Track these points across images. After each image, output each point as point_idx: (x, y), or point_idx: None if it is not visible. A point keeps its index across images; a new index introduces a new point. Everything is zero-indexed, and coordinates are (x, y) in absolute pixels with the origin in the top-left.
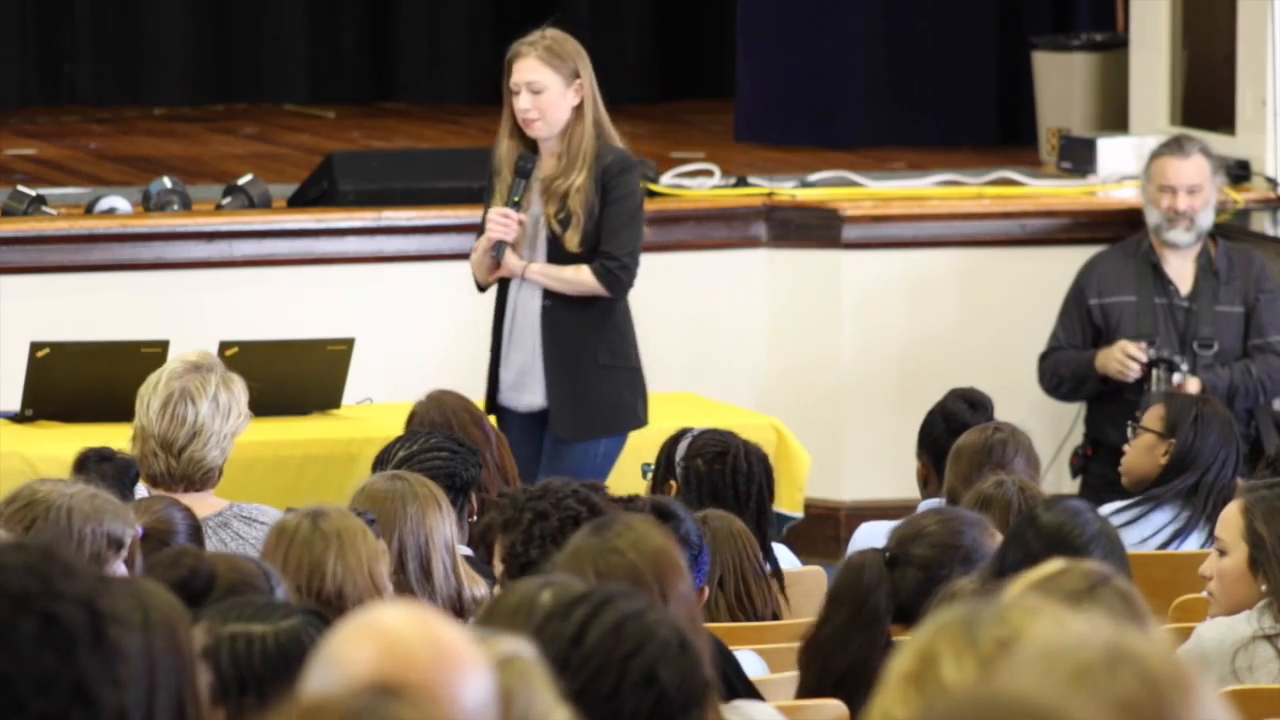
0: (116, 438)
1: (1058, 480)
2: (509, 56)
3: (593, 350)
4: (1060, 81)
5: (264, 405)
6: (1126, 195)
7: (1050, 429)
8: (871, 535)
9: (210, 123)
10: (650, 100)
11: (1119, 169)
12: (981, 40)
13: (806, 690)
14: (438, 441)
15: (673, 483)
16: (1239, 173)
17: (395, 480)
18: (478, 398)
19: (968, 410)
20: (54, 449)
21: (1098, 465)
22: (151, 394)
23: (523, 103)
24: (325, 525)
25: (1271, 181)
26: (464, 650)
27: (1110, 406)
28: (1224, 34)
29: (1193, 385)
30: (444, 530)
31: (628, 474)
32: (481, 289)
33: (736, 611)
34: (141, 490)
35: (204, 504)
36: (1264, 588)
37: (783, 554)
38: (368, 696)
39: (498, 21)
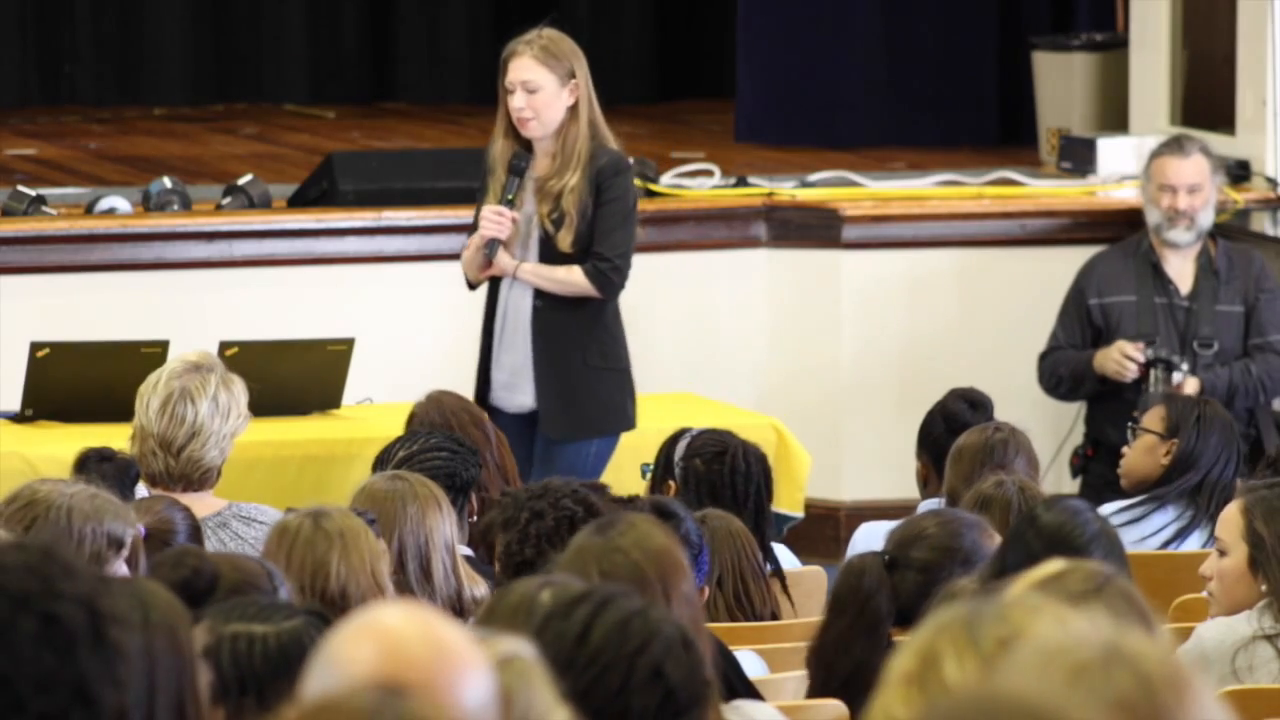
0: (116, 438)
1: (1058, 480)
2: (505, 55)
3: (583, 351)
4: (1060, 81)
5: (264, 405)
6: (1126, 195)
7: (1050, 429)
8: (871, 535)
9: (210, 123)
10: (650, 100)
11: (1119, 169)
12: (981, 40)
13: (814, 694)
14: (438, 441)
15: (671, 483)
16: (1239, 173)
17: (395, 480)
18: None
19: (968, 410)
20: (54, 449)
21: (1098, 465)
22: (151, 393)
23: (517, 102)
24: (328, 525)
25: (1271, 181)
26: (464, 650)
27: (1110, 406)
28: (1224, 34)
29: (1191, 385)
30: (444, 530)
31: (627, 474)
32: (472, 287)
33: (735, 611)
34: (142, 490)
35: (203, 504)
36: (1264, 588)
37: (783, 554)
38: (379, 696)
39: (497, 21)
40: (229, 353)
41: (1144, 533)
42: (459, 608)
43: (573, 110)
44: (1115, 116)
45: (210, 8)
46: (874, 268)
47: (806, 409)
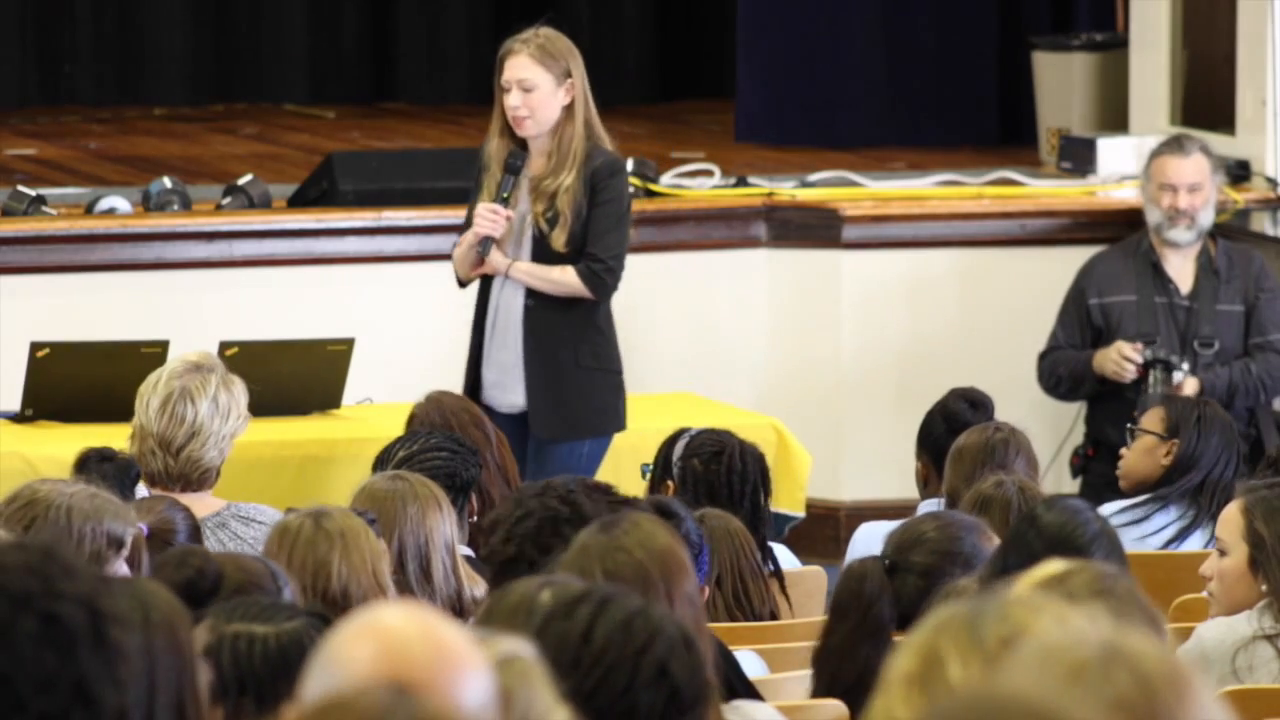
0: (116, 438)
1: (1058, 480)
2: (501, 53)
3: (575, 351)
4: (1060, 81)
5: (264, 405)
6: (1126, 195)
7: (1050, 429)
8: (871, 535)
9: (210, 123)
10: (650, 100)
11: (1119, 169)
12: (981, 40)
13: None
14: (438, 441)
15: (670, 483)
16: (1239, 173)
17: (395, 480)
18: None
19: (968, 410)
20: (54, 449)
21: (1099, 465)
22: (151, 392)
23: (513, 100)
24: (329, 525)
25: (1271, 181)
26: (464, 650)
27: (1111, 406)
28: (1224, 34)
29: (1191, 386)
30: (444, 530)
31: (627, 474)
32: (462, 285)
33: (734, 610)
34: (142, 490)
35: (201, 504)
36: (1264, 588)
37: (783, 554)
38: (391, 696)
39: (497, 21)
40: (229, 353)
41: (1145, 532)
42: (459, 608)
43: (568, 110)
44: (1115, 116)
45: (210, 8)
46: (874, 268)
47: (806, 409)
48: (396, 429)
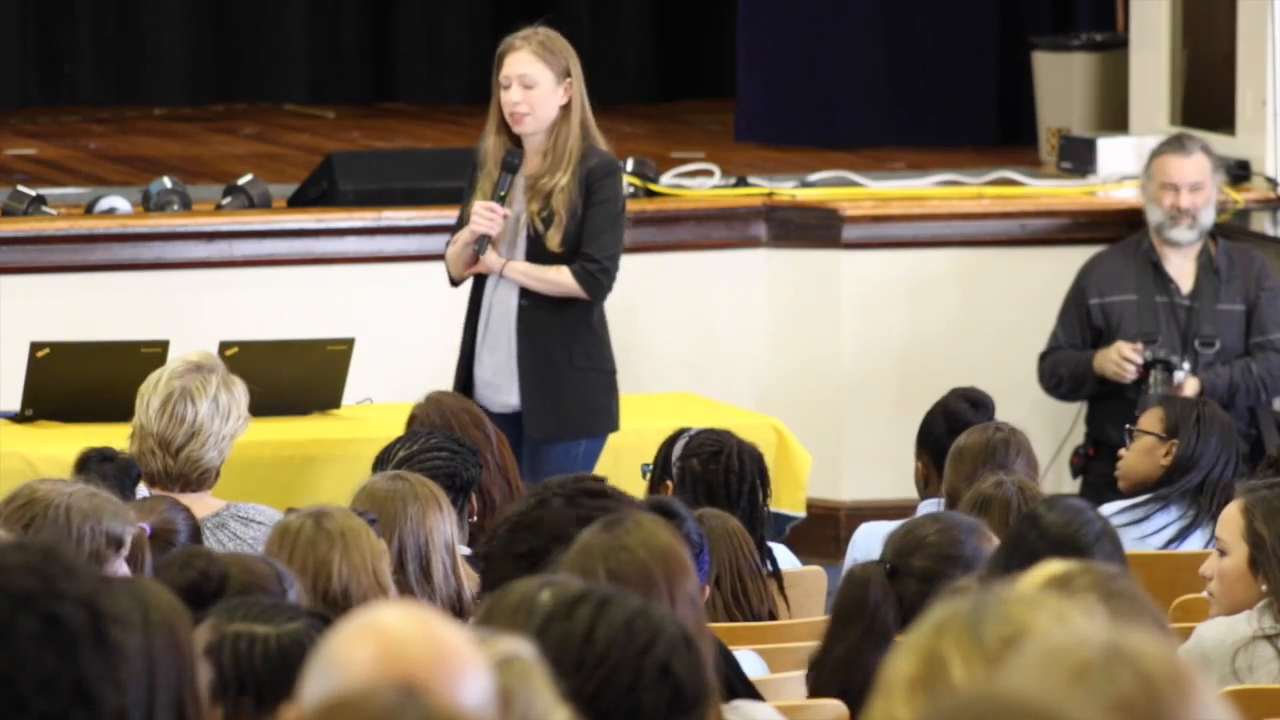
0: (116, 438)
1: (1058, 480)
2: (500, 50)
3: (568, 352)
4: (1060, 81)
5: (264, 405)
6: (1126, 195)
7: (1050, 429)
8: (871, 535)
9: (210, 123)
10: (650, 100)
11: (1119, 169)
12: (981, 40)
13: None
14: (438, 442)
15: (669, 483)
16: (1239, 173)
17: (396, 480)
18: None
19: (969, 410)
20: (54, 449)
21: (1100, 465)
22: (151, 392)
23: (513, 96)
24: (329, 525)
25: (1271, 181)
26: (464, 650)
27: (1111, 406)
28: (1224, 34)
29: (1192, 385)
30: (444, 530)
31: (627, 474)
32: (455, 283)
33: (733, 610)
34: (143, 490)
35: (201, 504)
36: (1264, 588)
37: (783, 554)
38: (399, 695)
39: (497, 21)
40: (229, 353)
41: (1145, 533)
42: (459, 608)
43: (565, 109)
44: (1115, 116)
45: (210, 8)
46: (874, 268)
47: (806, 409)
48: (396, 429)
